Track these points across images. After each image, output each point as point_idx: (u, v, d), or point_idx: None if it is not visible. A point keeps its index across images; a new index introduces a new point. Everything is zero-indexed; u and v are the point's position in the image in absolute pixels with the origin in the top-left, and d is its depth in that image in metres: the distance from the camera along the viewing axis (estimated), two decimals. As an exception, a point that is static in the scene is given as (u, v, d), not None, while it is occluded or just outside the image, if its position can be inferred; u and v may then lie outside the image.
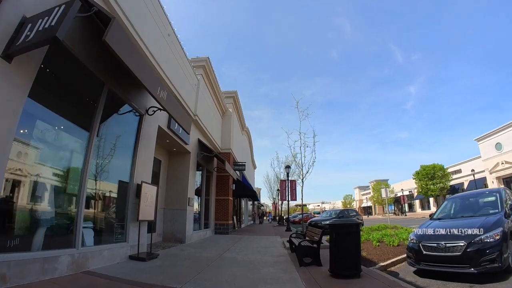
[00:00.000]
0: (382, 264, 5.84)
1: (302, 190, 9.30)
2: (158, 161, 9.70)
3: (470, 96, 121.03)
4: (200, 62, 12.07)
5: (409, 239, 5.60)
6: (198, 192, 12.23)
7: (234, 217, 16.64)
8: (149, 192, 6.53)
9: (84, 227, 5.07)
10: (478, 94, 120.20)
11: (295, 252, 6.51)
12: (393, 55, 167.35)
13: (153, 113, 6.95)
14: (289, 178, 17.80)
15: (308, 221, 16.20)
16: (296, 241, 6.66)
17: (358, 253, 4.63)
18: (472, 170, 29.71)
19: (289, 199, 17.36)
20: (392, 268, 5.94)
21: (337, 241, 4.58)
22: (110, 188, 6.02)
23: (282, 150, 27.92)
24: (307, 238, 7.20)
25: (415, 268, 5.44)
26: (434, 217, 6.47)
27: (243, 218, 25.56)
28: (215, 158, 13.34)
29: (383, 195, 16.46)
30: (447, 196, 36.61)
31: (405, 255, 6.71)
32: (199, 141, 11.19)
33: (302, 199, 9.35)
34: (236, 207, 20.15)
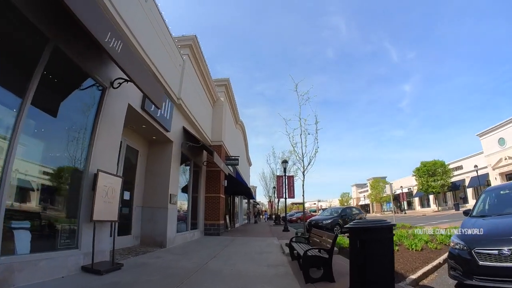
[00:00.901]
0: (412, 276, 4.48)
1: (303, 185, 7.91)
2: (134, 152, 8.27)
3: (465, 94, 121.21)
4: (186, 41, 10.59)
5: (452, 244, 4.23)
6: (185, 189, 10.80)
7: (227, 217, 15.21)
8: (110, 185, 5.08)
9: (16, 228, 3.70)
10: (473, 92, 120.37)
11: (298, 261, 5.12)
12: (389, 53, 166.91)
13: (119, 86, 5.54)
14: (287, 174, 16.44)
15: (308, 220, 14.86)
16: (298, 247, 5.28)
17: (391, 267, 3.25)
18: (475, 166, 28.66)
19: (287, 197, 16.01)
20: (425, 281, 4.59)
21: (362, 251, 3.19)
22: (56, 177, 4.57)
23: (278, 147, 26.50)
24: (311, 242, 5.84)
25: (456, 282, 4.12)
26: (474, 214, 5.11)
27: (237, 217, 24.16)
28: (204, 151, 11.93)
29: (388, 191, 15.16)
30: (448, 193, 35.75)
31: (436, 262, 5.41)
32: (184, 130, 9.74)
33: (303, 195, 7.96)
34: (229, 205, 18.71)
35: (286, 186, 16.00)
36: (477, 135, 31.23)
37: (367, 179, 57.58)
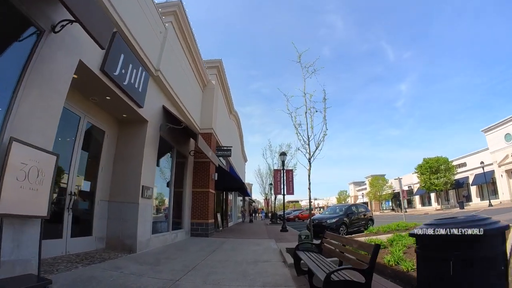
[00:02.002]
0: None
1: (309, 175, 6.31)
2: (99, 132, 6.62)
3: (461, 94, 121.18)
4: (170, 7, 8.93)
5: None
6: (166, 182, 9.16)
7: (218, 215, 13.58)
8: (35, 164, 3.43)
9: None
10: (469, 92, 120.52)
11: (308, 278, 3.54)
12: (385, 53, 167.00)
13: (61, 29, 3.96)
14: (285, 168, 14.88)
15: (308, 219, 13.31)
16: (307, 259, 3.69)
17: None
18: (482, 163, 27.36)
19: (285, 193, 14.44)
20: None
21: (452, 275, 1.61)
22: None
23: (275, 143, 24.82)
24: (323, 250, 4.28)
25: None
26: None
27: (230, 215, 22.57)
28: (191, 139, 10.29)
29: (397, 187, 13.68)
30: (450, 191, 34.44)
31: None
32: (165, 110, 8.09)
33: (309, 188, 6.37)
34: (221, 202, 17.07)
35: (285, 181, 14.45)
36: (482, 130, 30.00)
37: (365, 177, 56.30)
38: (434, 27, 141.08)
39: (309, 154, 6.33)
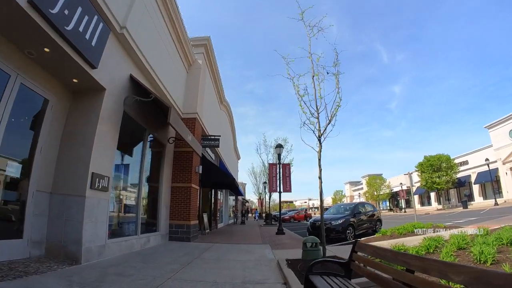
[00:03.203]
0: None
1: (319, 159, 4.68)
2: (39, 100, 4.93)
3: (453, 96, 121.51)
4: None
5: None
6: (136, 174, 7.40)
7: (204, 216, 11.82)
8: None
9: None
10: (461, 95, 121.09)
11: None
12: (379, 54, 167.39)
13: None
14: (281, 162, 13.23)
15: (310, 220, 11.65)
16: (322, 284, 2.03)
17: None
18: (487, 159, 26.13)
19: (281, 190, 12.78)
20: None
21: None
22: None
23: (269, 139, 23.07)
24: (352, 270, 2.64)
25: None
26: None
27: (220, 216, 20.82)
28: (170, 126, 8.55)
29: (408, 183, 12.13)
30: (451, 190, 33.21)
31: None
32: (132, 79, 6.37)
33: (320, 177, 4.72)
34: (209, 201, 15.31)
35: (281, 177, 12.79)
36: (485, 127, 28.87)
37: (362, 176, 55.15)
38: (427, 29, 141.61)
39: (319, 131, 4.68)
